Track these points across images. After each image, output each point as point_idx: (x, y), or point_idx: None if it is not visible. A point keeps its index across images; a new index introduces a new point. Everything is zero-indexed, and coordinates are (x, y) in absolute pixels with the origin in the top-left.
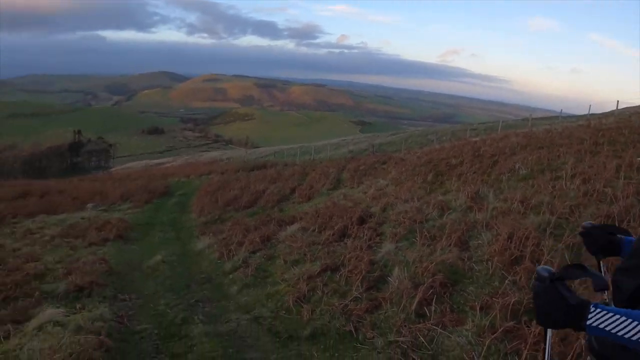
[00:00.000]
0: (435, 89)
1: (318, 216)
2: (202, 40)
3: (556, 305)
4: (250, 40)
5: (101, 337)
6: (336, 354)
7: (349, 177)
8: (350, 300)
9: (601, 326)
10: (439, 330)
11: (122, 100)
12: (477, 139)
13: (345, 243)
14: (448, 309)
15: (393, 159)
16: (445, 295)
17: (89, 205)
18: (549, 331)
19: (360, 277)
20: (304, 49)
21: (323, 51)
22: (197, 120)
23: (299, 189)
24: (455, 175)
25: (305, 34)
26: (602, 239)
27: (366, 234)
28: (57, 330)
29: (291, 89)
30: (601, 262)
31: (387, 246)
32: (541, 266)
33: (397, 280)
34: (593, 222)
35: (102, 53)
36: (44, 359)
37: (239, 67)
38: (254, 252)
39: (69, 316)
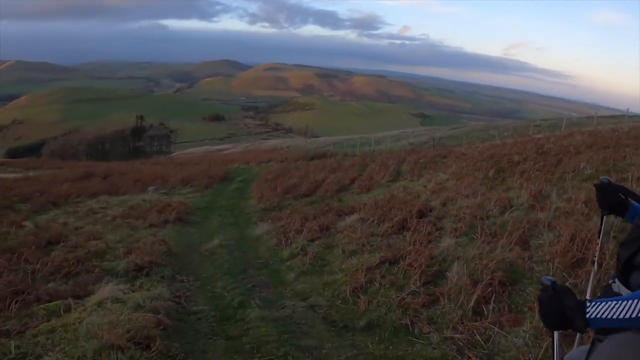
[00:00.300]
0: (497, 83)
1: (377, 208)
2: (263, 29)
3: (559, 310)
4: (311, 30)
5: (159, 315)
6: (391, 347)
7: (409, 170)
8: (408, 294)
9: (599, 316)
10: (496, 329)
11: (184, 88)
12: (540, 135)
13: (404, 236)
14: (506, 309)
15: (454, 153)
16: (503, 294)
17: (150, 188)
18: (556, 334)
19: (419, 271)
20: (365, 40)
21: (384, 42)
22: (258, 109)
23: (358, 180)
24: (518, 172)
25: (366, 24)
26: (614, 198)
27: (426, 228)
28: (117, 307)
29: (352, 80)
30: (604, 217)
31: (447, 241)
32: (544, 277)
33: (455, 276)
34: (610, 180)
35: (164, 41)
36: (103, 333)
37: (300, 57)
38: (312, 241)
39: (128, 294)
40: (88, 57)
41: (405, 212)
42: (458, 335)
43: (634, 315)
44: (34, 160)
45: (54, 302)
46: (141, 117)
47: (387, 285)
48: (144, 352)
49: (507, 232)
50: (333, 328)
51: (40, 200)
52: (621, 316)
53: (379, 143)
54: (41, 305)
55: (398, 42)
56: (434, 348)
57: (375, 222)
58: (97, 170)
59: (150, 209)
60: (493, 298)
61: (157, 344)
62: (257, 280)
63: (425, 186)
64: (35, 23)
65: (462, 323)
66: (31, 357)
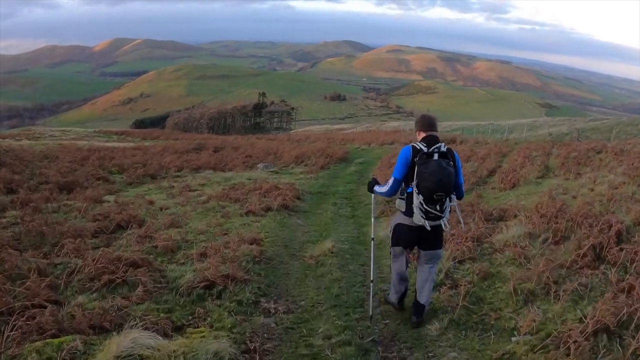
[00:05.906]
0: (631, 75)
1: (541, 215)
2: (389, 11)
3: (370, 186)
4: (438, 12)
5: None
6: None
7: (559, 165)
8: None
9: (376, 189)
10: None
11: (306, 67)
12: None
13: (605, 273)
14: None
15: (610, 149)
16: None
17: (260, 165)
18: (373, 196)
19: None
20: (493, 24)
21: (513, 27)
22: (379, 90)
23: (498, 172)
24: None
25: (496, 7)
26: None
27: (635, 264)
28: None
29: (475, 64)
30: None
31: None
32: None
33: None
34: None
35: (289, 22)
36: None
37: (424, 40)
38: (461, 262)
39: (162, 345)
40: (212, 36)
41: (595, 230)
42: None
43: (382, 191)
44: (153, 131)
45: (59, 339)
46: (263, 94)
47: None
48: None
49: None
50: None
51: (137, 172)
52: (379, 191)
53: (511, 131)
54: (36, 344)
55: (528, 26)
56: None
57: (551, 241)
58: (210, 143)
59: (253, 190)
60: None
61: None
62: (381, 327)
63: (591, 189)
64: (165, 4)
65: None
66: None
